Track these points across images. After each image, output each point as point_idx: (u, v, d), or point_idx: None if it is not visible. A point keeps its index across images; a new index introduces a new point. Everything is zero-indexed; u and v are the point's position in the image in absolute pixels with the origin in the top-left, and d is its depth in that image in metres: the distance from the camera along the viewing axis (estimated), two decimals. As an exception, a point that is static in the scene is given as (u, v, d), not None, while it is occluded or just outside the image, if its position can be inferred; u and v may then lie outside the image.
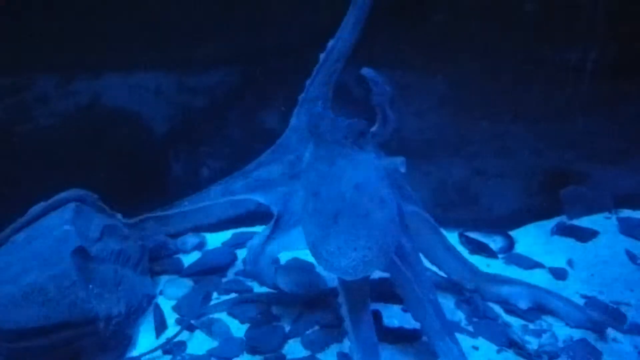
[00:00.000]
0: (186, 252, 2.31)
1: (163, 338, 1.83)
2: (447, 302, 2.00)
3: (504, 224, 2.56)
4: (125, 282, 1.90)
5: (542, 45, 2.43)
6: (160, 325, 1.87)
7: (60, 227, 1.86)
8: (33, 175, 2.19)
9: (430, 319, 1.69)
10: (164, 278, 2.15)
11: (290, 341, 1.82)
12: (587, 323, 1.87)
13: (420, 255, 1.88)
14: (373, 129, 1.83)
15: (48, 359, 1.66)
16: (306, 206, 1.74)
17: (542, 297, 1.97)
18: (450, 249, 2.03)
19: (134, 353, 1.77)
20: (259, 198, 1.93)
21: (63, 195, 1.98)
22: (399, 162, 1.68)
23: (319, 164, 1.74)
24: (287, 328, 1.87)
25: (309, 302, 1.98)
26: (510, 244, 2.40)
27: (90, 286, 1.74)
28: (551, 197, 2.61)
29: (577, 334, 1.82)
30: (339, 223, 1.58)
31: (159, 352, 1.77)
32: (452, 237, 2.48)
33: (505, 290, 2.01)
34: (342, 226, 1.58)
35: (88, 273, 1.77)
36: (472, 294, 2.02)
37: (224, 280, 2.16)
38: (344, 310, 1.71)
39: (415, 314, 1.72)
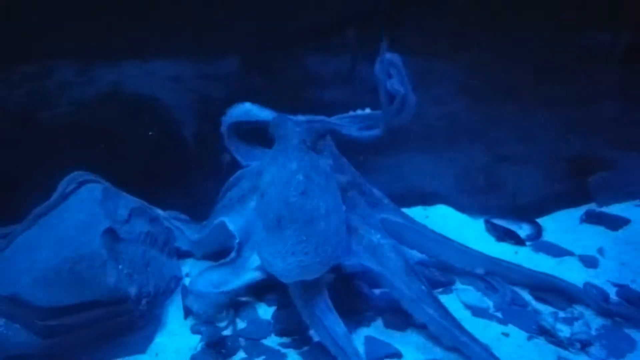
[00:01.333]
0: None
1: (191, 319, 1.84)
2: (475, 290, 1.98)
3: (530, 211, 2.52)
4: (153, 264, 1.91)
5: (568, 29, 2.37)
6: (187, 307, 1.87)
7: (90, 208, 1.87)
8: (53, 161, 2.20)
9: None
10: (189, 261, 2.16)
11: (317, 324, 1.82)
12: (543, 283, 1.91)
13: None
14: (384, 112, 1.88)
15: (78, 337, 1.68)
16: (256, 206, 1.79)
17: (496, 264, 1.98)
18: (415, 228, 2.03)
19: (163, 334, 1.78)
20: (228, 221, 1.94)
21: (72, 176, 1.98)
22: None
23: (272, 165, 1.76)
24: (314, 311, 1.87)
25: (336, 285, 1.97)
26: (538, 231, 2.36)
27: (120, 266, 1.75)
28: (578, 184, 2.57)
29: (610, 321, 1.79)
30: (282, 226, 1.62)
31: (188, 332, 1.78)
32: (478, 224, 2.46)
33: (462, 256, 2.01)
34: (285, 230, 1.61)
35: (117, 254, 1.78)
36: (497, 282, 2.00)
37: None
38: (299, 307, 1.71)
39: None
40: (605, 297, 1.89)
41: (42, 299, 1.63)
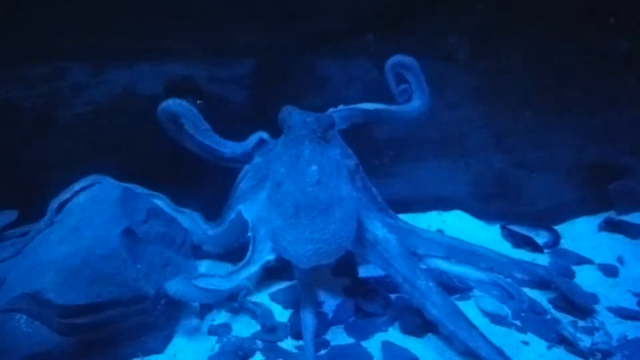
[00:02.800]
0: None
1: (208, 319, 1.85)
2: (492, 297, 1.96)
3: (548, 218, 2.49)
4: (171, 264, 1.91)
5: (589, 35, 2.35)
6: (205, 307, 1.88)
7: (109, 209, 1.89)
8: (68, 161, 2.22)
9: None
10: (205, 262, 2.16)
11: (334, 328, 1.82)
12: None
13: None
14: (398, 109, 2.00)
15: (97, 336, 1.68)
16: (270, 194, 1.83)
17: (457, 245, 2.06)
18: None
19: (181, 334, 1.79)
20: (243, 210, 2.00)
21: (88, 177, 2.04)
22: None
23: (286, 156, 1.81)
24: (330, 315, 1.87)
25: (352, 290, 1.97)
26: (556, 238, 2.34)
27: (139, 266, 1.76)
28: (597, 192, 2.54)
29: (631, 331, 1.77)
30: (299, 215, 1.71)
31: (205, 333, 1.79)
32: (494, 230, 2.44)
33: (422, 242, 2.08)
34: (302, 219, 1.70)
35: (136, 253, 1.79)
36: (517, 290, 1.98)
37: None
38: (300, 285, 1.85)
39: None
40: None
41: (63, 297, 1.64)
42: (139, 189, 2.11)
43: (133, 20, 2.12)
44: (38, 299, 1.65)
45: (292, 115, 1.85)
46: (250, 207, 2.00)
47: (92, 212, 1.89)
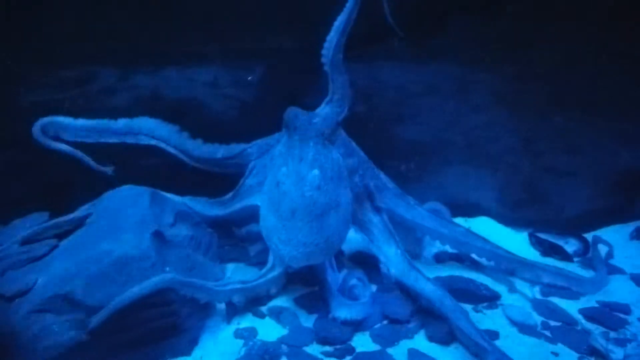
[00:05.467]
0: (252, 241, 2.32)
1: (234, 323, 1.86)
2: (522, 305, 1.93)
3: (577, 226, 2.44)
4: (197, 267, 1.94)
5: (619, 38, 2.29)
6: (231, 310, 1.89)
7: (139, 211, 1.92)
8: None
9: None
10: (231, 265, 2.18)
11: (359, 334, 1.81)
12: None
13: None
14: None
15: (125, 338, 1.71)
16: (267, 191, 1.85)
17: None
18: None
19: (207, 337, 1.80)
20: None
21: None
22: None
23: (289, 155, 1.82)
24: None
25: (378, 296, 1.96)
26: (586, 247, 2.28)
27: (167, 268, 1.78)
28: (629, 199, 2.48)
29: (665, 344, 1.72)
30: (295, 218, 1.73)
31: (231, 337, 1.80)
32: (522, 238, 2.40)
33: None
34: (298, 222, 1.73)
35: (164, 256, 1.82)
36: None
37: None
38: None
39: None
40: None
41: (93, 298, 1.67)
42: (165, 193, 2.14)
43: (159, 26, 2.16)
44: (69, 299, 1.69)
45: (298, 116, 1.85)
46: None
47: (121, 214, 1.93)
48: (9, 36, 2.10)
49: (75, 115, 2.19)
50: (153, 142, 2.16)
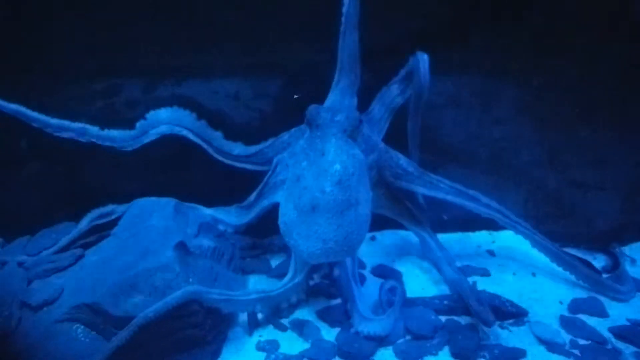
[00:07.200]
0: (273, 253, 2.33)
1: (256, 335, 1.85)
2: (550, 323, 1.89)
3: (605, 241, 2.38)
4: (220, 278, 1.94)
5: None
6: (253, 322, 1.89)
7: (163, 223, 1.94)
8: (122, 173, 2.30)
9: None
10: (253, 277, 2.18)
11: (382, 349, 1.79)
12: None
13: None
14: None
15: (149, 348, 1.71)
16: (288, 186, 1.84)
17: None
18: None
19: (230, 349, 1.80)
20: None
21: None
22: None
23: (311, 151, 1.82)
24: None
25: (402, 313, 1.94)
26: (615, 262, 2.23)
27: (191, 279, 1.79)
28: (658, 213, 2.41)
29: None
30: (315, 213, 1.71)
31: (253, 349, 1.79)
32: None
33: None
34: (318, 218, 1.71)
35: (188, 267, 1.82)
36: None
37: (310, 282, 2.15)
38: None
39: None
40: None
41: (119, 308, 1.69)
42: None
43: (183, 38, 2.19)
44: (95, 309, 1.71)
45: (320, 113, 1.85)
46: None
47: (146, 225, 1.95)
48: (39, 49, 2.16)
49: (101, 127, 2.24)
50: (176, 129, 2.18)
